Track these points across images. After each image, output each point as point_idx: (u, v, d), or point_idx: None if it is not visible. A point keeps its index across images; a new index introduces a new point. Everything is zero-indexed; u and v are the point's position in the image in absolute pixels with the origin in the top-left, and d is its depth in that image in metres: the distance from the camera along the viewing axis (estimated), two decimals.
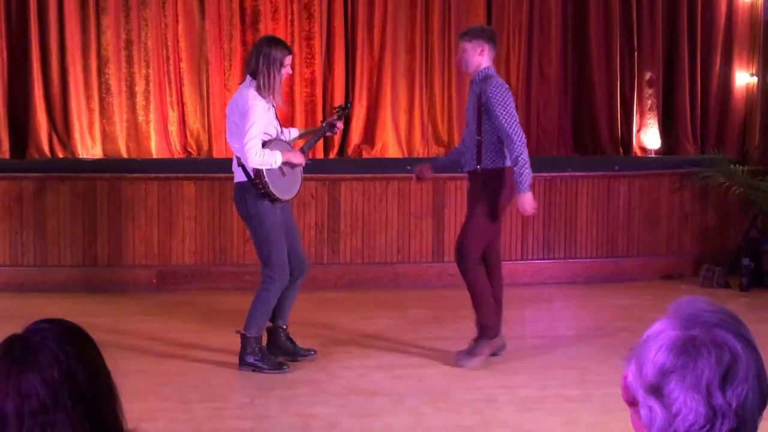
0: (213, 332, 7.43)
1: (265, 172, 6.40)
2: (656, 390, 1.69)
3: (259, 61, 6.43)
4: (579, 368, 6.61)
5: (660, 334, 1.73)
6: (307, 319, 7.86)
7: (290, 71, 6.64)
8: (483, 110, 6.57)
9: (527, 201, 6.47)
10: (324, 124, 7.06)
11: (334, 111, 7.23)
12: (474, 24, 10.17)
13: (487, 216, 6.63)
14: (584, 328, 7.79)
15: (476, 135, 6.60)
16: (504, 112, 6.48)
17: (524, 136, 6.53)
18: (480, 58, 6.64)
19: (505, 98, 6.52)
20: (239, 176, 6.55)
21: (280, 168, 6.47)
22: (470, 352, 6.69)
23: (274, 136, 6.56)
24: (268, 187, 6.42)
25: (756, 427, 1.70)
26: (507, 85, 6.66)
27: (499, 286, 6.84)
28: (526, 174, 6.43)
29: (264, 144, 6.40)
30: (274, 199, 6.49)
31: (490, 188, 6.61)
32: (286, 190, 6.59)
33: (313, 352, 6.87)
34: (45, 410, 1.71)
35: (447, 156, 7.25)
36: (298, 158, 6.64)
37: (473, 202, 6.71)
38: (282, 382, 6.38)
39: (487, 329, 6.70)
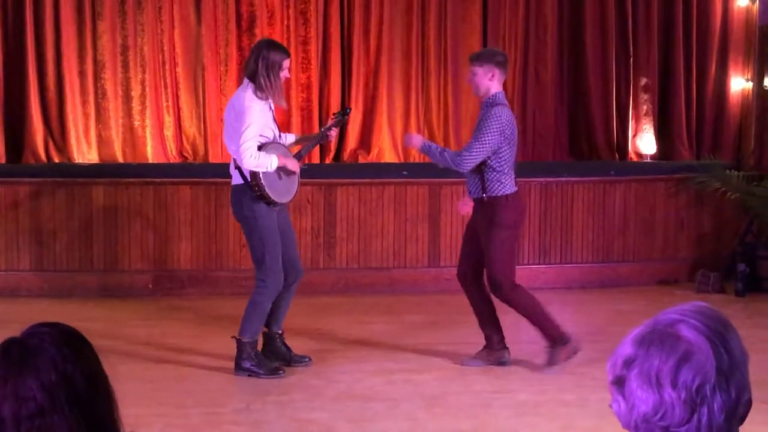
0: (209, 337, 7.42)
1: (261, 175, 6.40)
2: (619, 382, 1.72)
3: (258, 63, 6.44)
4: (575, 373, 6.62)
5: (632, 332, 1.76)
6: (303, 324, 7.85)
7: (288, 75, 6.65)
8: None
9: (414, 139, 6.89)
10: (322, 130, 7.06)
11: (333, 117, 7.22)
12: (469, 26, 10.24)
13: (504, 241, 6.67)
14: (580, 333, 7.77)
15: (479, 163, 6.58)
16: (481, 137, 6.51)
17: (471, 166, 6.55)
18: (490, 83, 6.64)
19: (492, 131, 6.50)
20: (236, 179, 6.55)
21: (276, 171, 6.47)
22: (549, 362, 6.73)
23: (272, 139, 6.55)
24: (264, 190, 6.41)
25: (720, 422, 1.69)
26: (509, 116, 6.64)
27: (490, 300, 6.90)
28: (433, 158, 6.72)
29: (261, 147, 6.40)
30: (270, 202, 6.49)
31: (499, 215, 6.61)
32: (282, 193, 6.58)
33: (307, 360, 6.87)
34: (42, 413, 1.70)
35: None
36: (293, 165, 6.63)
37: (484, 230, 6.66)
38: (278, 387, 6.37)
39: (557, 339, 6.73)
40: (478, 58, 6.75)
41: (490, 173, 6.58)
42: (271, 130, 6.57)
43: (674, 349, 1.67)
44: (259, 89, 6.42)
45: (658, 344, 1.68)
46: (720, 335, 1.72)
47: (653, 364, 1.67)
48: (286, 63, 6.52)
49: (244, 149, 6.31)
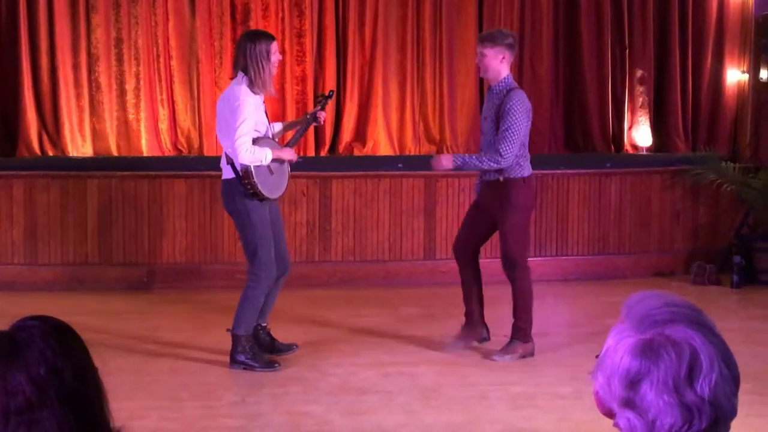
0: (204, 331, 7.41)
1: (253, 172, 6.37)
2: (628, 402, 1.68)
3: (247, 56, 6.42)
4: (571, 365, 6.61)
5: (619, 344, 1.72)
6: (299, 316, 7.85)
7: (279, 57, 6.60)
8: (500, 120, 6.56)
9: (444, 161, 6.74)
10: (307, 116, 7.03)
11: (318, 100, 7.22)
12: (464, 18, 10.21)
13: (520, 223, 6.73)
14: (576, 325, 7.79)
15: (497, 145, 6.56)
16: (513, 125, 6.50)
17: (513, 156, 6.54)
18: (500, 65, 6.61)
19: (521, 117, 6.52)
20: (227, 173, 6.53)
21: (268, 166, 6.45)
22: (504, 351, 6.80)
23: (264, 133, 6.54)
24: (257, 187, 6.40)
25: (735, 409, 1.68)
26: (528, 102, 6.65)
27: (480, 279, 7.02)
28: (473, 167, 6.70)
29: (253, 141, 6.38)
30: (262, 198, 6.48)
31: (516, 197, 6.64)
32: (274, 188, 6.57)
33: (294, 347, 6.87)
34: (31, 408, 1.69)
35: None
36: (289, 154, 6.63)
37: (500, 210, 6.68)
38: (273, 380, 6.36)
39: (522, 332, 6.81)
40: (488, 39, 6.66)
41: None
42: (264, 125, 6.56)
43: (680, 355, 1.65)
44: (253, 82, 6.40)
45: (664, 354, 1.65)
46: (703, 321, 1.71)
47: (666, 374, 1.64)
48: (273, 47, 6.48)
49: (240, 144, 6.29)
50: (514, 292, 6.83)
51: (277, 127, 7.01)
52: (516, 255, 6.73)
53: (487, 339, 7.03)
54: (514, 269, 6.75)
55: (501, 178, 6.63)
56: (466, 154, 6.89)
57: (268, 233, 6.55)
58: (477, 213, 6.92)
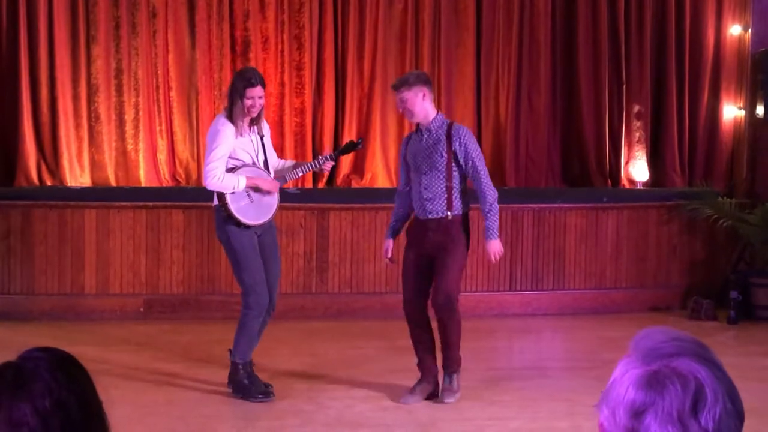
0: (200, 362, 7.40)
1: (228, 196, 6.46)
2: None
3: (230, 89, 6.59)
4: (568, 400, 6.60)
5: (624, 375, 1.72)
6: (296, 348, 7.84)
7: (254, 103, 6.48)
8: (454, 157, 6.53)
9: (499, 246, 6.62)
10: (320, 158, 7.00)
11: (344, 147, 7.13)
12: (463, 52, 10.26)
13: (462, 260, 6.63)
14: (573, 359, 7.79)
15: (447, 181, 6.53)
16: (481, 163, 6.58)
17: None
18: (424, 102, 6.54)
19: (478, 147, 6.63)
20: (214, 200, 6.61)
21: (247, 192, 6.49)
22: (452, 390, 6.64)
23: (248, 162, 6.56)
24: (231, 211, 6.46)
25: None
26: None
27: None
28: (497, 220, 6.60)
29: (233, 169, 6.44)
30: (239, 224, 6.51)
31: (461, 233, 6.57)
32: (251, 215, 6.57)
33: (270, 391, 6.66)
34: None
35: (396, 220, 6.92)
36: (268, 184, 6.60)
37: (443, 248, 6.52)
38: (270, 413, 6.35)
39: (459, 361, 6.69)
40: (402, 84, 6.55)
41: (455, 191, 6.55)
42: (248, 154, 6.57)
43: (686, 388, 1.66)
44: (227, 114, 6.48)
45: (669, 385, 1.66)
46: (709, 357, 1.72)
47: (671, 405, 1.65)
48: (248, 92, 6.44)
49: (208, 170, 6.42)
50: (446, 330, 6.58)
51: (288, 163, 7.01)
52: (455, 293, 6.56)
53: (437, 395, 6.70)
54: (453, 309, 6.52)
55: (449, 215, 6.53)
56: (488, 223, 6.58)
57: (252, 259, 6.56)
58: (416, 261, 6.68)
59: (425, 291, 6.70)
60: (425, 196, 6.56)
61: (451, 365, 6.67)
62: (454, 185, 6.53)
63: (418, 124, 6.67)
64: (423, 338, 6.74)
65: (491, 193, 6.56)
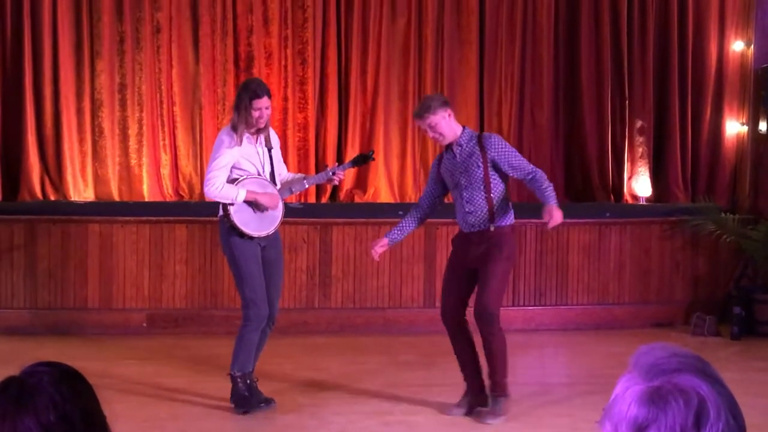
0: (203, 377, 7.39)
1: (231, 207, 6.49)
2: None
3: (236, 101, 6.62)
4: (570, 416, 6.59)
5: (626, 391, 1.72)
6: (298, 363, 7.83)
7: (262, 114, 6.52)
8: (492, 166, 6.54)
9: (561, 214, 6.47)
10: (328, 170, 6.99)
11: (355, 160, 7.14)
12: (466, 68, 10.28)
13: (505, 274, 6.63)
14: (576, 375, 7.78)
15: (486, 193, 6.52)
16: (521, 158, 6.63)
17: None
18: (450, 121, 6.57)
19: (511, 147, 6.68)
20: (220, 212, 6.63)
21: (249, 203, 6.51)
22: (494, 413, 6.56)
23: (253, 173, 6.58)
24: (234, 222, 6.47)
25: None
26: None
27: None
28: (554, 193, 6.59)
29: (235, 180, 6.45)
30: (242, 235, 6.52)
31: (505, 246, 6.56)
32: (254, 226, 6.58)
33: (273, 403, 6.71)
34: None
35: (400, 228, 6.86)
36: (266, 200, 6.58)
37: (486, 261, 6.51)
38: (273, 428, 6.34)
39: (505, 387, 6.61)
40: (424, 111, 6.54)
41: (497, 203, 6.56)
42: (252, 165, 6.59)
43: (688, 404, 1.66)
44: (232, 125, 6.53)
45: (672, 401, 1.66)
46: (711, 372, 1.72)
47: (674, 421, 1.65)
48: (255, 103, 6.48)
49: (208, 179, 6.47)
50: (489, 348, 6.55)
51: (297, 177, 7.01)
52: (495, 308, 6.52)
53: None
54: (492, 323, 6.49)
55: (492, 227, 6.54)
56: (548, 195, 6.53)
57: (253, 271, 6.56)
58: (459, 272, 6.71)
59: (464, 302, 6.72)
60: (467, 210, 6.59)
61: (496, 389, 6.60)
62: (495, 196, 6.54)
63: (448, 144, 6.67)
64: (460, 350, 6.71)
65: (541, 173, 6.59)
